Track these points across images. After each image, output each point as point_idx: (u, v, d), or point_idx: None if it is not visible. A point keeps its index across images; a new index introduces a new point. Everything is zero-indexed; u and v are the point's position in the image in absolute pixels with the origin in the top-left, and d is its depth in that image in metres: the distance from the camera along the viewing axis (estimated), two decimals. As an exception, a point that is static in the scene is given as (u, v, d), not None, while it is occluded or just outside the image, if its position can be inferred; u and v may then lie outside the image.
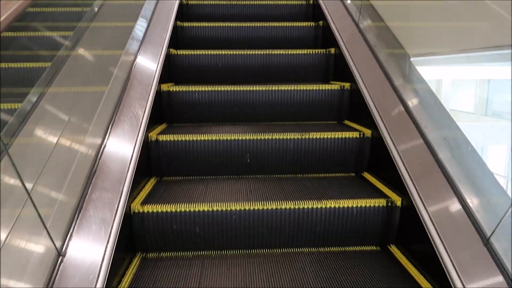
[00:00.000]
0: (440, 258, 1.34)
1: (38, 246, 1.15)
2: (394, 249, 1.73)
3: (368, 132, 2.07)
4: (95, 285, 1.20)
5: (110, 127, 1.72)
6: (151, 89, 2.11)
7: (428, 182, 1.56)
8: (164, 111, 2.43)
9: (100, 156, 1.58)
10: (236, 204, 1.66)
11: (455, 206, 1.40)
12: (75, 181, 1.42)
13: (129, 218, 1.63)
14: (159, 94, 2.34)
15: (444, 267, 1.32)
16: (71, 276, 1.17)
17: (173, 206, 1.65)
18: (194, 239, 1.68)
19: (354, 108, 2.43)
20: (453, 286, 1.27)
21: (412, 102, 1.90)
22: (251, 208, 1.66)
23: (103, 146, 1.62)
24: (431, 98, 1.91)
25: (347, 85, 2.46)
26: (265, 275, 1.53)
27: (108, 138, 1.67)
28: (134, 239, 1.67)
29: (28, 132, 1.42)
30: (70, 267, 1.19)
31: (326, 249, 1.74)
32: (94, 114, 1.71)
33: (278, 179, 2.05)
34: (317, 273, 1.54)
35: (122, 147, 1.72)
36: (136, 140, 1.81)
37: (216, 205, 1.65)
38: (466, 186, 1.44)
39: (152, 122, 2.13)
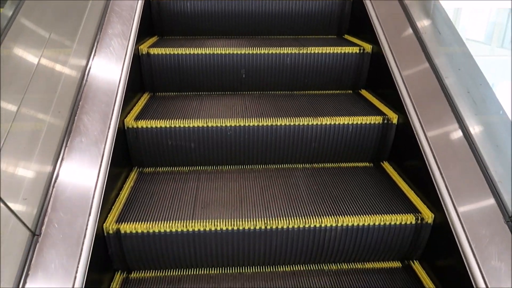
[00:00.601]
0: (432, 176, 1.37)
1: (33, 166, 1.14)
2: (386, 165, 1.76)
3: (368, 47, 1.99)
4: (92, 197, 1.23)
5: (96, 43, 1.62)
6: (139, -3, 1.96)
7: (429, 105, 1.53)
8: (154, 23, 2.29)
9: (88, 72, 1.51)
10: (232, 120, 1.65)
11: (455, 131, 1.39)
12: (64, 94, 1.37)
13: (123, 134, 1.61)
14: (148, 3, 2.19)
15: (435, 186, 1.35)
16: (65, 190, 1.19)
17: (168, 121, 1.62)
18: (189, 155, 1.70)
19: (355, 21, 2.31)
20: (442, 202, 1.31)
21: (422, 21, 1.78)
22: (247, 124, 1.64)
23: (91, 59, 1.55)
24: (442, 20, 1.80)
25: (349, -4, 2.30)
26: (259, 189, 1.57)
27: (95, 52, 1.59)
28: (130, 154, 1.68)
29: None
30: (63, 185, 1.20)
31: (320, 165, 1.77)
32: (78, 29, 1.60)
33: (274, 96, 2.01)
34: (310, 188, 1.58)
35: (111, 62, 1.64)
36: (126, 53, 1.73)
37: (211, 121, 1.63)
38: (470, 117, 1.40)
39: (142, 35, 2.02)
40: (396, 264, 1.49)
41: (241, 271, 1.45)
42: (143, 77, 1.96)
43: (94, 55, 1.58)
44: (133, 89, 1.79)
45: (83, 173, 1.27)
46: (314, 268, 1.46)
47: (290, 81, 2.03)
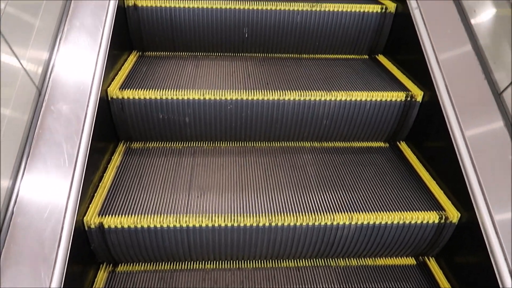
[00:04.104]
0: (462, 169, 1.19)
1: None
2: (404, 146, 1.58)
3: (392, 6, 1.71)
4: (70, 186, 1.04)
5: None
6: None
7: (467, 85, 1.31)
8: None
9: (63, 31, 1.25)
10: (232, 92, 1.42)
11: (496, 121, 1.19)
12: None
13: (106, 104, 1.39)
14: None
15: (466, 181, 1.17)
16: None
17: (158, 92, 1.40)
18: (184, 130, 1.49)
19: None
20: (472, 200, 1.14)
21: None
22: (250, 98, 1.42)
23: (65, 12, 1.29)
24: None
25: None
26: (263, 172, 1.39)
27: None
28: (115, 127, 1.46)
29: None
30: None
31: (331, 144, 1.58)
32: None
33: (280, 60, 1.76)
34: (320, 173, 1.40)
35: (91, 12, 1.37)
36: (108, 4, 1.45)
37: (208, 93, 1.41)
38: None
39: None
40: (410, 261, 1.36)
41: (240, 266, 1.31)
42: (130, 34, 1.69)
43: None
44: (118, 47, 1.54)
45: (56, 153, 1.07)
46: (321, 264, 1.33)
47: (299, 42, 1.77)
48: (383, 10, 1.71)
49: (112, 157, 1.42)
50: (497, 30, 1.28)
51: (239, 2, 1.67)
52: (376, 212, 1.22)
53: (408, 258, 1.37)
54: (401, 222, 1.21)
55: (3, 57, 0.95)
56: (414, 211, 1.23)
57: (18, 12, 1.07)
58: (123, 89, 1.40)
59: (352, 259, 1.35)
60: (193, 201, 1.25)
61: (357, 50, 1.82)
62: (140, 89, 1.40)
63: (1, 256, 0.90)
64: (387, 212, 1.22)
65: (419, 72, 1.50)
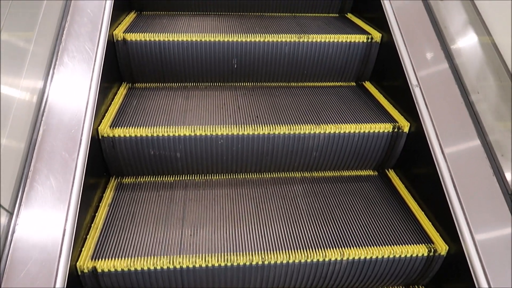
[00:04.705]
0: (448, 201, 1.22)
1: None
2: (392, 175, 1.61)
3: (377, 36, 1.75)
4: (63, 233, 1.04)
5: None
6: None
7: (450, 117, 1.35)
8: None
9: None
10: (223, 127, 1.44)
11: (475, 149, 1.23)
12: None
13: (97, 143, 1.39)
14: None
15: (452, 212, 1.20)
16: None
17: (149, 129, 1.41)
18: (175, 164, 1.50)
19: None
20: (459, 232, 1.17)
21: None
22: (240, 133, 1.44)
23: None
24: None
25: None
26: (254, 206, 1.41)
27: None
28: (107, 165, 1.47)
29: None
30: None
31: (320, 174, 1.60)
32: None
33: (269, 89, 1.79)
34: (310, 206, 1.42)
35: (82, 51, 1.39)
36: (99, 40, 1.47)
37: (199, 129, 1.42)
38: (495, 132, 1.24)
39: (118, 13, 1.72)
40: (401, 291, 1.39)
41: (234, 301, 1.32)
42: (119, 67, 1.70)
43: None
44: (109, 81, 1.55)
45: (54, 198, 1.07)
46: (314, 297, 1.35)
47: (287, 72, 1.80)
48: (369, 40, 1.75)
49: (104, 194, 1.42)
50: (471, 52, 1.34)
51: (228, 35, 1.69)
52: (366, 247, 1.24)
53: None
54: (391, 256, 1.24)
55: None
56: (403, 245, 1.26)
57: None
58: (114, 127, 1.40)
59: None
60: (186, 239, 1.25)
61: (344, 77, 1.86)
62: (130, 127, 1.41)
63: None
64: (377, 246, 1.24)
65: (405, 101, 1.54)
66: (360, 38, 1.74)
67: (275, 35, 1.71)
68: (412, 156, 1.50)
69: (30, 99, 1.17)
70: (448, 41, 1.45)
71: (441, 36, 1.47)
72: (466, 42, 1.42)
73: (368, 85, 1.86)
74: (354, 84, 1.88)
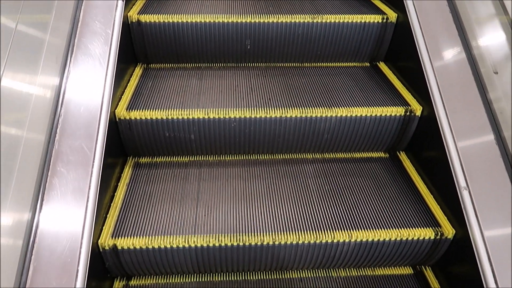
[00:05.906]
0: (457, 187, 1.24)
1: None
2: (403, 157, 1.62)
3: (393, 16, 1.72)
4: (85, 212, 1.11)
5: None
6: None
7: (462, 101, 1.35)
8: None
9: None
10: (236, 110, 1.46)
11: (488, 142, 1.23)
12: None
13: (115, 125, 1.44)
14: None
15: (460, 201, 1.22)
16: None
17: (164, 112, 1.44)
18: (189, 145, 1.54)
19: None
20: (466, 220, 1.20)
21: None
22: (253, 116, 1.47)
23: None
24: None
25: None
26: (266, 188, 1.45)
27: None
28: (123, 146, 1.52)
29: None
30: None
31: (332, 155, 1.63)
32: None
33: (282, 69, 1.79)
34: (321, 188, 1.46)
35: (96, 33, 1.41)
36: (114, 21, 1.48)
37: (213, 112, 1.45)
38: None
39: (131, -6, 1.73)
40: (408, 271, 1.43)
41: (246, 278, 1.39)
42: (134, 49, 1.73)
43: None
44: (124, 63, 1.58)
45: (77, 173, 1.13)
46: (322, 275, 1.40)
47: (300, 52, 1.80)
48: (384, 20, 1.72)
49: (122, 174, 1.48)
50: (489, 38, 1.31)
51: (241, 16, 1.69)
52: (374, 229, 1.28)
53: (406, 268, 1.44)
54: (398, 238, 1.28)
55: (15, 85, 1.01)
56: (411, 228, 1.29)
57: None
58: (130, 110, 1.44)
59: (352, 269, 1.42)
60: (200, 219, 1.31)
61: (358, 58, 1.85)
62: (146, 110, 1.44)
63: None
64: (385, 229, 1.28)
65: (418, 84, 1.53)
66: (375, 19, 1.72)
67: (288, 16, 1.70)
68: (423, 139, 1.51)
69: (49, 85, 1.21)
70: (464, 24, 1.42)
71: (458, 19, 1.44)
72: (484, 27, 1.40)
73: (382, 65, 1.84)
74: (368, 64, 1.87)
